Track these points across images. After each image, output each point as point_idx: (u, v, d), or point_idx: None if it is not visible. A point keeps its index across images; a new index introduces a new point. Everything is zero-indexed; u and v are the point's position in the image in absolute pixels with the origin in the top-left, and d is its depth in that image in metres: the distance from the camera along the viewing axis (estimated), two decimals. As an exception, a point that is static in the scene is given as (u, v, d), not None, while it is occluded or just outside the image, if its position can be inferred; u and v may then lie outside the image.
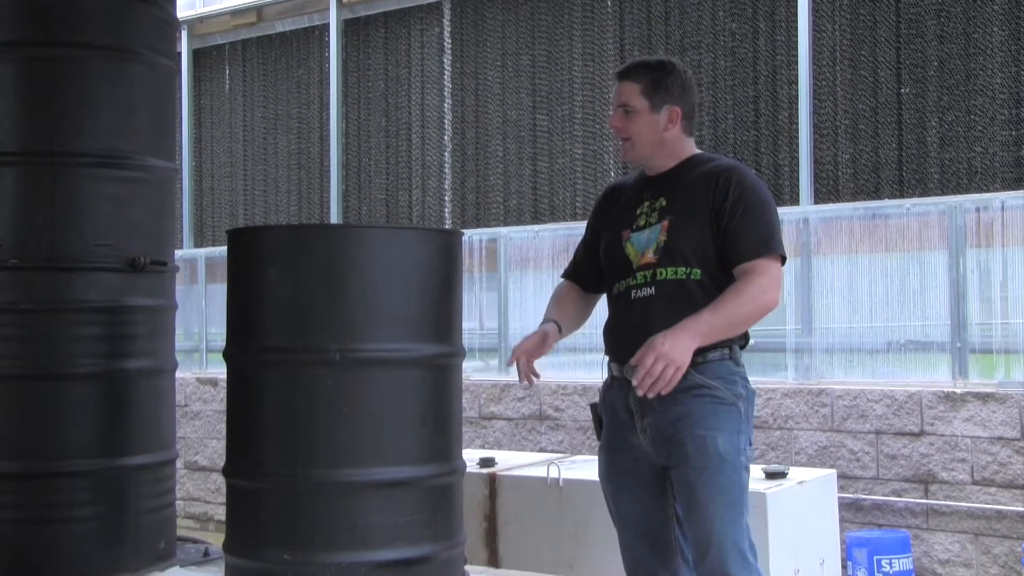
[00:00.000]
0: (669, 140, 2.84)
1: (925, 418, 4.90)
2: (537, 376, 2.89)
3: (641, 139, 2.83)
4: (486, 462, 4.41)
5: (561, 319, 2.94)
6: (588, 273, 3.00)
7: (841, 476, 4.88)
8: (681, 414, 2.69)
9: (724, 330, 2.66)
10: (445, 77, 7.35)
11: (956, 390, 4.89)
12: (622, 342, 2.81)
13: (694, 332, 2.60)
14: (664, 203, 2.79)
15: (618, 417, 2.84)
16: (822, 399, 5.11)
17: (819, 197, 5.85)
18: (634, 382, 2.57)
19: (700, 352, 2.66)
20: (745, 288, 2.65)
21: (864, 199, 5.68)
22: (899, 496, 4.93)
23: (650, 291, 2.75)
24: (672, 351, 2.55)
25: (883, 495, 4.97)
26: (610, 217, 2.93)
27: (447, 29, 7.37)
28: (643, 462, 2.80)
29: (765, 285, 2.66)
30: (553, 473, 4.10)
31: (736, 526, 2.67)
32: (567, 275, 3.06)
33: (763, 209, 2.73)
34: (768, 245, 2.70)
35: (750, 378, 2.80)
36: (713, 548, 2.66)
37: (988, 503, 4.74)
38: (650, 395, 2.57)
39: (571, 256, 3.12)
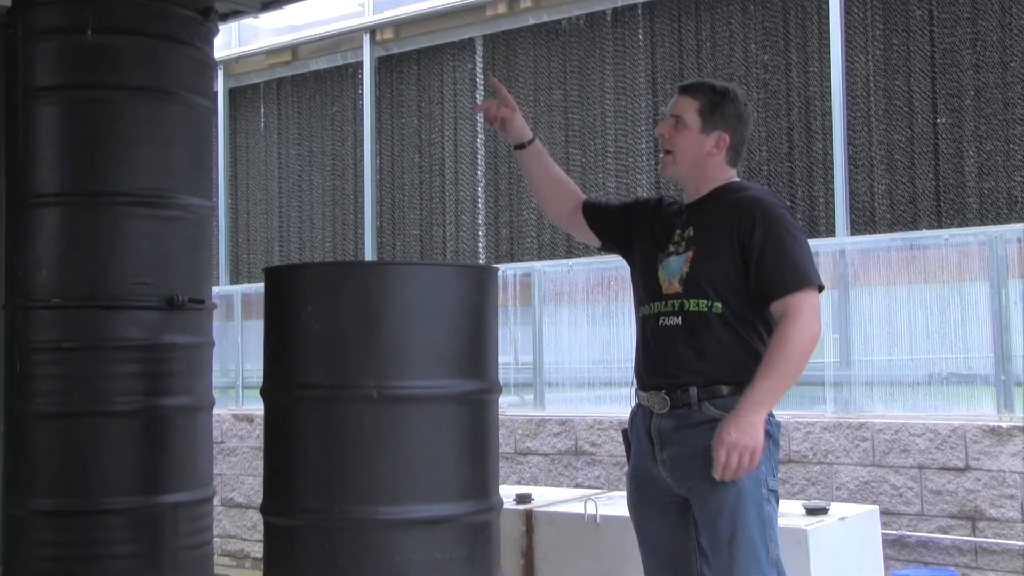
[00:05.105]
0: (711, 165, 2.82)
1: (970, 452, 4.81)
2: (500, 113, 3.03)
3: (683, 155, 2.82)
4: (522, 498, 4.37)
5: (541, 146, 3.21)
6: (597, 210, 3.04)
7: (884, 512, 4.78)
8: (699, 448, 2.68)
9: (783, 388, 2.67)
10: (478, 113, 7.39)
11: (1002, 424, 4.79)
12: (645, 370, 2.83)
13: (754, 406, 2.60)
14: (692, 233, 2.79)
15: (641, 445, 2.84)
16: (862, 433, 5.03)
17: (855, 228, 5.80)
18: (717, 477, 2.62)
19: (715, 386, 2.68)
20: (786, 339, 2.63)
21: (901, 230, 5.62)
22: (945, 533, 4.83)
23: (677, 320, 2.76)
24: (740, 437, 2.57)
25: (928, 532, 4.87)
26: (652, 228, 2.91)
27: (479, 65, 7.42)
28: (665, 492, 2.80)
29: (803, 325, 2.63)
30: (590, 509, 4.06)
31: (757, 564, 2.64)
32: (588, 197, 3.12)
33: (792, 241, 2.69)
34: (802, 277, 2.66)
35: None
36: None
37: (1038, 540, 4.63)
38: (737, 478, 2.62)
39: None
